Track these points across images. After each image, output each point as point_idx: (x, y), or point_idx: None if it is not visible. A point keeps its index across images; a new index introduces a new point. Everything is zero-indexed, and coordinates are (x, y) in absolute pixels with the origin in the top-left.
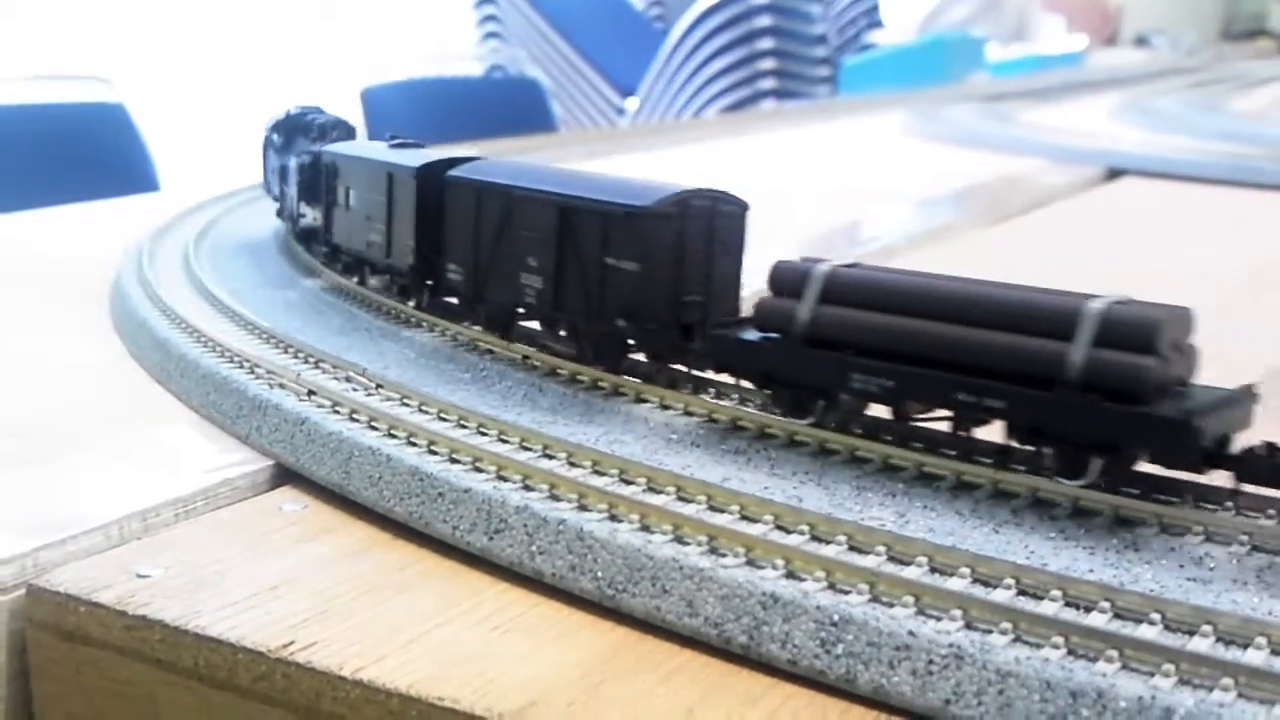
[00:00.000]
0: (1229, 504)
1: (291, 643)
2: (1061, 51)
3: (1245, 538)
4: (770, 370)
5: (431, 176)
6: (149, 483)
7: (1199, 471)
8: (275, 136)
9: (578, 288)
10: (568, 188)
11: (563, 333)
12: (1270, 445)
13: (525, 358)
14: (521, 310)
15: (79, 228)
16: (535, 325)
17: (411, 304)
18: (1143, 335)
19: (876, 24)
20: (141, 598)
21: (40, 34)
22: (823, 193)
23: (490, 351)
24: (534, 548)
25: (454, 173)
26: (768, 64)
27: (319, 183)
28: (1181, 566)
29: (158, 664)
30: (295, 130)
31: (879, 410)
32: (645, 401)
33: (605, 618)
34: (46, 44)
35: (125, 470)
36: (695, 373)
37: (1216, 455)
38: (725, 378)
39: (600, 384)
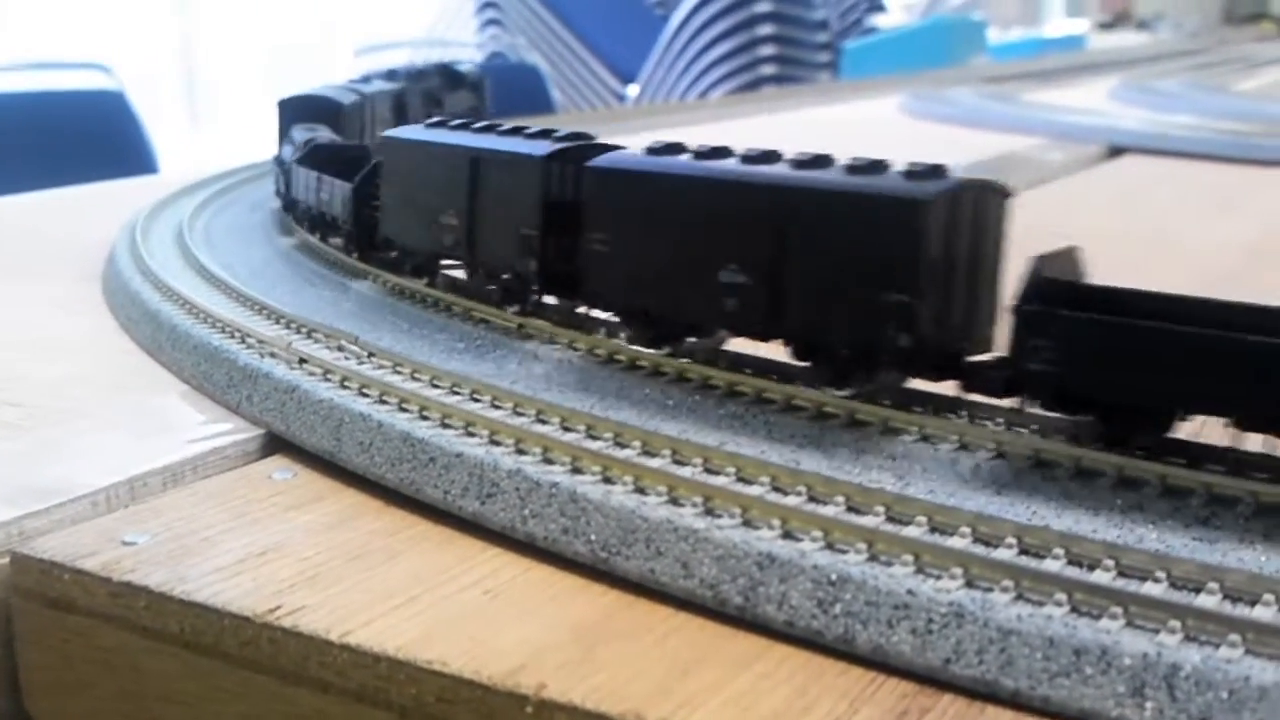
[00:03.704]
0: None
1: (278, 608)
2: (1063, 34)
3: (1251, 498)
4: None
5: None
6: (137, 452)
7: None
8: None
9: None
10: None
11: None
12: None
13: (520, 326)
14: None
15: (75, 208)
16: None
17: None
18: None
19: (879, 7)
20: (127, 564)
21: (42, 20)
22: None
23: (485, 321)
24: (526, 511)
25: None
26: (768, 50)
27: None
28: (1187, 526)
29: (143, 631)
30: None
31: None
32: (639, 368)
33: (598, 581)
34: (48, 31)
35: (114, 440)
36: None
37: None
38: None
39: (596, 351)
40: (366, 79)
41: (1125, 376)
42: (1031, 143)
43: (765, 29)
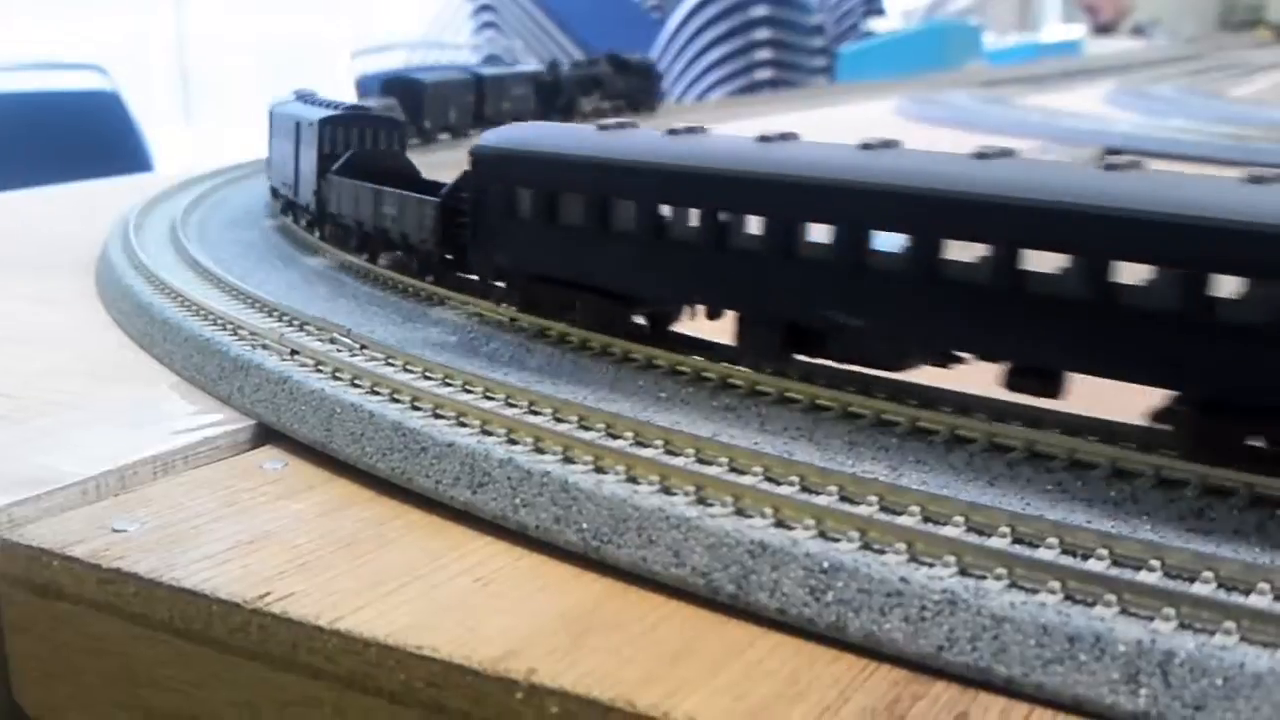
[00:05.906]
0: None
1: (268, 594)
2: (1059, 39)
3: (1245, 490)
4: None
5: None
6: (128, 442)
7: None
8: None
9: None
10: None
11: None
12: None
13: (513, 320)
14: None
15: (68, 204)
16: None
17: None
18: None
19: (877, 11)
20: (116, 551)
21: (38, 21)
22: None
23: (479, 315)
24: (518, 500)
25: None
26: (764, 54)
27: None
28: (1181, 518)
29: (132, 618)
30: None
31: None
32: (633, 361)
33: (590, 569)
34: (44, 32)
35: (104, 430)
36: (686, 333)
37: None
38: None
39: (589, 344)
40: (496, 60)
41: (358, 215)
42: (1026, 145)
43: (761, 33)
